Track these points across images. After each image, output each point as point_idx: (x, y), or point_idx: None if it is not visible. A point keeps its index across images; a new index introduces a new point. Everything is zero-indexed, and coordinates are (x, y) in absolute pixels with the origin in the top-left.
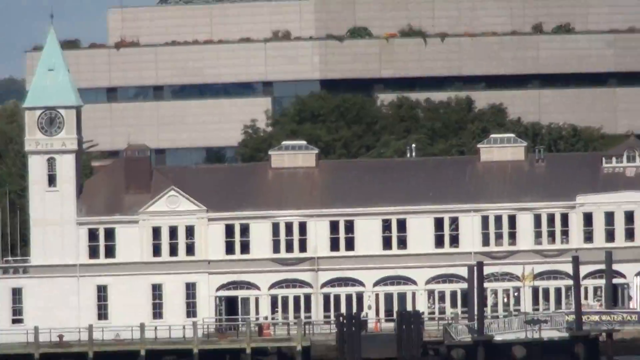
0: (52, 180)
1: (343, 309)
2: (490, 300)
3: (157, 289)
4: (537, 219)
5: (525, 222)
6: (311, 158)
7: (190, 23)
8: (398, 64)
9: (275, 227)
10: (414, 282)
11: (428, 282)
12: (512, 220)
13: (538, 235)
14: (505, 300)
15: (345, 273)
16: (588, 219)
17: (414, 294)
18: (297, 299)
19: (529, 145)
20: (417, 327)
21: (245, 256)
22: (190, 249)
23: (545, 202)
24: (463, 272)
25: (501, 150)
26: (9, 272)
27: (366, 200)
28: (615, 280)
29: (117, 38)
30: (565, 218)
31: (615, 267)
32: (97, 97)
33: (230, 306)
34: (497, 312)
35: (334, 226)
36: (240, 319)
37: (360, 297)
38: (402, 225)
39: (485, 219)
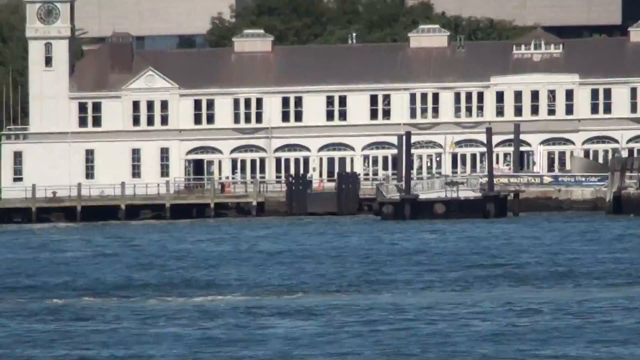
0: (48, 61)
1: (292, 171)
2: (416, 164)
3: (136, 153)
4: (457, 96)
5: (446, 99)
6: (268, 44)
7: None
8: None
9: (236, 102)
10: (352, 149)
11: (364, 148)
12: (436, 97)
13: (457, 110)
14: (429, 164)
15: (294, 140)
16: (500, 96)
17: (352, 159)
18: (253, 162)
19: (452, 35)
20: (354, 186)
21: (210, 126)
22: (164, 120)
23: (464, 82)
24: (393, 140)
25: (428, 39)
26: (12, 138)
27: (313, 80)
28: (522, 148)
29: None
30: (481, 96)
31: (522, 137)
32: None
33: (197, 168)
34: (422, 175)
35: (285, 101)
36: (205, 179)
37: (306, 160)
38: (343, 101)
39: (413, 96)
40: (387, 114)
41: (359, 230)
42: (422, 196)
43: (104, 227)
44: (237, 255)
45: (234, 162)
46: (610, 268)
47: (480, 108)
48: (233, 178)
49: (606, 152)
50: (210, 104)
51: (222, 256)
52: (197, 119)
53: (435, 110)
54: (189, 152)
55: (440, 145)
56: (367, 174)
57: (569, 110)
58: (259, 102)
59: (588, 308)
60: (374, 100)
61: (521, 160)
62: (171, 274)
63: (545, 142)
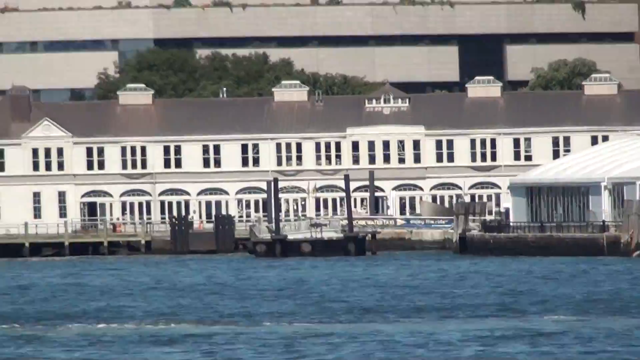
0: None
1: (175, 213)
2: (284, 207)
3: (36, 196)
4: (318, 146)
5: (308, 148)
6: (149, 97)
7: None
8: (212, 27)
9: (123, 150)
10: (227, 193)
11: (237, 192)
12: (299, 146)
13: (318, 158)
14: (295, 208)
15: (175, 185)
16: (355, 146)
17: (227, 202)
18: (140, 204)
19: (311, 90)
20: (230, 227)
21: (101, 172)
22: (60, 166)
23: (323, 133)
24: (263, 185)
25: (290, 93)
26: None
27: (190, 130)
28: (376, 194)
29: (2, 5)
30: (338, 145)
31: (377, 183)
32: None
33: (91, 209)
34: (289, 217)
35: (166, 149)
36: (99, 220)
37: (187, 203)
38: (217, 149)
39: (278, 146)
40: (256, 161)
41: (235, 267)
42: (291, 236)
43: (10, 262)
44: (125, 288)
45: (123, 204)
46: (459, 303)
47: (338, 157)
48: (123, 219)
49: (451, 197)
50: (101, 151)
51: (112, 289)
52: (90, 165)
53: (299, 159)
54: (84, 195)
55: (304, 191)
56: (241, 216)
57: (417, 159)
58: (143, 150)
59: (439, 340)
60: (244, 149)
61: (376, 205)
62: (68, 304)
63: (397, 187)
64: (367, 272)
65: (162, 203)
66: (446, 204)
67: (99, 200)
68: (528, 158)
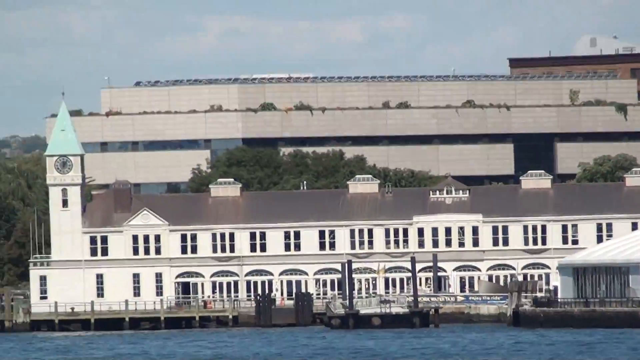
0: (65, 203)
1: (259, 291)
2: (356, 286)
3: (136, 277)
4: (387, 232)
5: (379, 234)
6: (237, 190)
7: (156, 99)
8: (294, 128)
9: (214, 236)
10: (306, 273)
11: (315, 273)
12: (370, 232)
13: (388, 242)
14: (367, 286)
15: (260, 267)
16: (421, 232)
17: (306, 281)
18: (229, 284)
19: (381, 183)
20: (309, 303)
21: (194, 255)
22: (158, 250)
23: (392, 221)
24: (338, 267)
25: (362, 186)
26: (38, 265)
27: (274, 219)
28: (439, 274)
29: (107, 109)
30: (405, 231)
31: (439, 264)
32: (94, 148)
33: (184, 289)
34: (361, 294)
35: (252, 236)
36: (191, 297)
37: (270, 283)
38: (297, 235)
39: (352, 232)
40: (332, 245)
41: (312, 339)
42: (362, 311)
43: (113, 335)
44: (215, 356)
45: (213, 284)
46: None
47: (405, 241)
48: (213, 297)
49: (506, 277)
50: (194, 238)
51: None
52: (184, 250)
53: (370, 243)
54: (178, 276)
55: (375, 271)
56: (318, 294)
57: (475, 243)
58: (232, 236)
59: None
60: (321, 234)
61: (439, 283)
62: None
63: (457, 268)
64: (430, 342)
65: (248, 283)
66: (501, 283)
67: (191, 280)
68: (575, 242)
